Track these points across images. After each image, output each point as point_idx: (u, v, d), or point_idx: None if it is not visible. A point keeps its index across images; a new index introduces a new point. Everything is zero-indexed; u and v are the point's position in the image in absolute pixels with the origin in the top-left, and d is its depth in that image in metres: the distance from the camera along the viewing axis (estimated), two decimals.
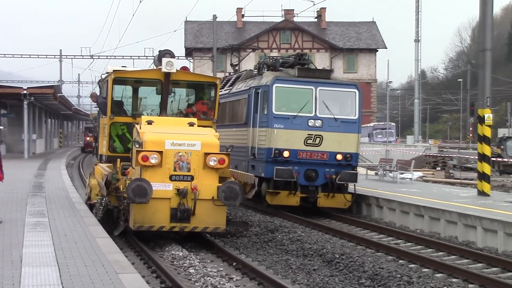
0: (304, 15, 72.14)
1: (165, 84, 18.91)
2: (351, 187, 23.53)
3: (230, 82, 29.53)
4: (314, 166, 22.48)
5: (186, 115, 19.36)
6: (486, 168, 24.88)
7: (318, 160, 22.51)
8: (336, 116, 22.53)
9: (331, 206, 23.38)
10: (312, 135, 22.26)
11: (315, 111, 22.42)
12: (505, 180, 38.71)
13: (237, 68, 34.74)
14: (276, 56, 28.16)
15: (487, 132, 24.46)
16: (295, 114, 22.29)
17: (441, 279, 14.55)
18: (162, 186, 16.04)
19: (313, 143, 22.27)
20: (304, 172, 22.41)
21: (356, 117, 23.13)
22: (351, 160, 22.72)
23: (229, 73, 34.69)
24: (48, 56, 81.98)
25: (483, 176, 24.85)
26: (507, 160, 49.03)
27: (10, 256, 12.23)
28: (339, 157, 22.43)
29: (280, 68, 24.65)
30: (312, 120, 22.34)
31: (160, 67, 18.52)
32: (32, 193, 23.71)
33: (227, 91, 28.60)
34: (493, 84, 26.16)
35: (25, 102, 48.48)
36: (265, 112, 22.68)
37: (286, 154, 22.12)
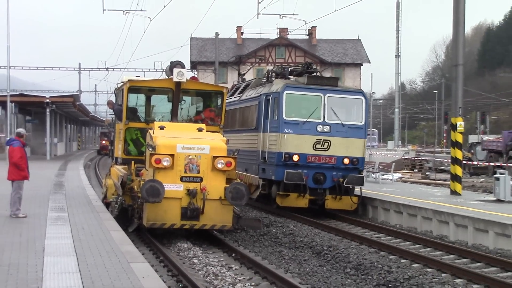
0: (297, 33, 72.26)
1: (176, 93, 18.82)
2: (357, 189, 22.87)
3: (240, 89, 28.93)
4: (322, 170, 21.71)
5: (195, 121, 19.28)
6: (458, 170, 24.94)
7: (326, 164, 21.72)
8: (343, 122, 21.83)
9: (338, 208, 22.50)
10: (321, 140, 21.57)
11: (324, 117, 21.72)
12: (475, 181, 38.80)
13: (244, 77, 34.18)
14: (284, 65, 27.59)
15: (459, 138, 24.53)
16: (305, 119, 21.60)
17: (417, 268, 14.58)
18: (173, 187, 15.92)
19: (322, 147, 21.58)
20: (312, 175, 21.61)
21: (363, 123, 22.32)
22: (357, 164, 22.02)
23: (238, 81, 34.23)
24: (68, 69, 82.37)
25: (455, 177, 24.91)
26: (476, 163, 49.16)
27: (34, 247, 12.26)
28: (346, 161, 21.72)
29: (288, 76, 24.05)
30: (321, 126, 21.63)
31: (171, 76, 18.46)
32: (54, 190, 23.73)
33: (236, 98, 28.04)
34: (465, 95, 26.20)
35: (48, 110, 48.61)
36: (276, 118, 21.98)
37: (295, 158, 21.39)
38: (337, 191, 21.84)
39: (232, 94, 29.48)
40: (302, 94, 21.99)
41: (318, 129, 21.53)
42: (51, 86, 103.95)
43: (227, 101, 27.85)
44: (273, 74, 25.08)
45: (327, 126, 21.58)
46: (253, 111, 24.46)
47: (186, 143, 16.30)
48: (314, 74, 23.61)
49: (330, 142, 21.50)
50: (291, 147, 21.35)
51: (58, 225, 14.98)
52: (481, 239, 17.65)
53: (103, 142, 72.47)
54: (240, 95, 27.54)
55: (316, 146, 21.47)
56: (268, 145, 22.24)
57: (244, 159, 24.49)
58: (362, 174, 22.61)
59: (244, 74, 34.67)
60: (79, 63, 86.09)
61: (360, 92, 23.17)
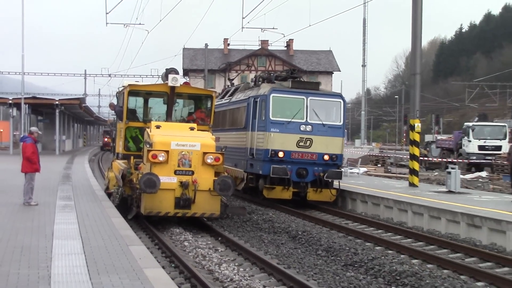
0: (276, 45, 71.88)
1: (171, 96, 18.81)
2: (336, 183, 22.45)
3: (230, 93, 28.46)
4: (304, 165, 21.39)
5: (188, 121, 19.20)
6: (416, 165, 25.09)
7: (308, 160, 21.38)
8: (324, 122, 21.49)
9: (319, 200, 22.10)
10: (304, 138, 21.26)
11: (306, 118, 21.36)
12: (430, 174, 38.99)
13: (233, 82, 33.87)
14: (270, 71, 27.10)
15: (417, 137, 24.65)
16: (289, 120, 21.24)
17: (380, 250, 14.67)
18: (168, 179, 15.89)
19: (304, 145, 21.28)
20: (296, 170, 21.30)
21: (341, 123, 21.95)
22: (336, 160, 21.68)
23: (228, 85, 33.88)
24: (75, 75, 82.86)
25: (413, 171, 25.05)
26: (431, 159, 49.44)
27: (44, 231, 12.23)
28: (326, 157, 21.36)
29: (274, 81, 23.53)
30: (304, 125, 21.29)
31: (166, 82, 18.42)
32: (62, 182, 23.64)
33: (227, 100, 27.62)
34: (421, 100, 26.33)
35: (57, 111, 48.53)
36: (263, 118, 21.59)
37: (281, 154, 21.04)
38: (318, 184, 21.58)
39: (223, 97, 29.16)
40: (287, 97, 21.65)
41: (301, 129, 21.28)
42: (60, 90, 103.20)
43: (218, 103, 27.81)
44: (260, 79, 24.79)
45: (309, 126, 21.33)
46: (242, 112, 24.16)
47: (179, 141, 16.29)
48: (298, 79, 23.32)
49: (312, 140, 21.29)
50: (277, 145, 21.07)
51: (65, 212, 14.94)
52: (435, 225, 17.78)
53: (106, 139, 72.03)
54: (230, 97, 27.21)
55: (299, 144, 21.23)
56: (256, 142, 21.95)
57: (234, 155, 24.32)
58: (341, 169, 22.34)
59: (233, 79, 34.54)
60: (85, 70, 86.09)
61: (339, 96, 22.88)
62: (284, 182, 21.29)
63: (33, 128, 17.87)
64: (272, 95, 21.29)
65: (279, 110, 21.29)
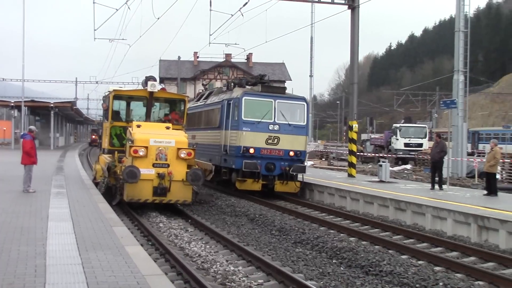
0: (238, 58, 71.40)
1: (149, 100, 18.67)
2: (299, 176, 21.68)
3: (204, 96, 27.55)
4: (272, 160, 20.42)
5: (164, 121, 19.01)
6: (353, 159, 25.39)
7: (276, 156, 20.45)
8: (289, 122, 20.68)
9: (285, 191, 21.20)
10: (272, 136, 20.41)
11: (274, 118, 20.55)
12: (365, 167, 39.45)
13: (207, 87, 32.80)
14: (242, 77, 25.69)
15: (354, 136, 24.92)
16: (259, 120, 20.42)
17: (323, 230, 14.73)
18: (147, 171, 15.73)
19: (272, 142, 20.46)
20: (265, 164, 20.31)
21: (305, 123, 21.13)
22: (300, 156, 20.87)
23: (201, 90, 32.95)
24: (68, 82, 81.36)
25: (351, 164, 25.33)
26: (366, 154, 50.03)
27: (40, 214, 12.02)
28: (291, 153, 20.51)
29: (245, 85, 22.67)
30: (272, 125, 20.47)
31: (146, 87, 18.28)
32: (56, 172, 23.22)
33: (202, 103, 26.59)
34: (358, 105, 26.57)
35: (52, 112, 47.77)
36: (236, 118, 20.66)
37: (252, 150, 20.15)
38: (284, 177, 20.81)
39: (198, 100, 28.34)
40: (257, 100, 20.87)
41: (270, 128, 20.54)
42: (55, 94, 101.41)
43: (194, 105, 27.50)
44: (233, 84, 23.97)
45: (277, 126, 20.57)
46: (216, 113, 23.36)
47: (157, 138, 16.15)
48: (266, 84, 22.39)
49: (279, 138, 20.54)
50: (248, 142, 20.34)
51: (58, 198, 14.69)
52: (368, 209, 17.99)
53: (93, 136, 71.02)
54: (205, 100, 26.47)
55: (268, 141, 20.47)
56: (229, 140, 21.19)
57: (209, 151, 23.66)
58: (304, 164, 21.59)
59: (206, 84, 34.02)
60: (76, 77, 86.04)
61: (303, 99, 22.06)
62: (254, 175, 20.55)
63: (32, 127, 17.62)
64: (244, 98, 20.65)
65: (250, 111, 20.60)
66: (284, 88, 22.64)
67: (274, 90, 21.66)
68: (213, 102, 24.56)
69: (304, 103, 21.51)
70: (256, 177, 20.53)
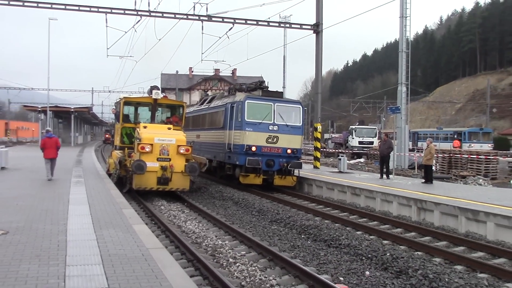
0: (225, 72, 71.18)
1: (154, 105, 18.54)
2: (296, 171, 20.46)
3: (207, 100, 26.06)
4: (272, 157, 19.42)
5: (166, 123, 18.83)
6: (318, 154, 25.44)
7: (275, 153, 19.25)
8: (287, 123, 19.54)
9: (283, 185, 19.86)
10: (271, 136, 19.36)
11: (273, 120, 19.40)
12: (327, 160, 39.63)
13: (208, 93, 31.96)
14: (242, 83, 23.67)
15: (319, 135, 24.95)
16: (260, 121, 19.26)
17: (294, 212, 14.68)
18: (152, 164, 15.61)
19: (272, 141, 19.38)
20: (265, 161, 19.30)
21: (300, 124, 19.79)
22: (297, 154, 19.75)
23: (204, 95, 31.56)
24: (85, 91, 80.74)
25: (316, 158, 25.37)
26: (328, 150, 50.27)
27: (62, 199, 11.84)
28: (289, 151, 19.50)
29: (246, 90, 21.41)
30: (271, 126, 19.33)
31: (151, 95, 18.23)
32: (75, 165, 22.93)
33: (206, 106, 24.92)
34: (322, 111, 26.67)
35: (72, 116, 47.58)
36: (239, 120, 19.34)
37: (254, 148, 19.13)
38: (282, 172, 19.70)
39: (202, 104, 27.02)
40: (258, 103, 19.66)
41: (270, 128, 19.43)
42: (74, 101, 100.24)
43: (198, 108, 26.92)
44: (234, 89, 22.76)
45: (276, 126, 19.45)
46: (220, 115, 22.08)
47: (160, 137, 16.04)
48: (266, 89, 21.03)
49: (278, 138, 19.43)
50: (251, 141, 19.22)
51: (77, 186, 14.49)
52: (330, 194, 18.03)
53: (107, 135, 70.29)
54: (209, 104, 25.03)
55: (268, 140, 19.39)
56: (233, 139, 19.97)
57: (213, 148, 22.54)
58: (300, 160, 20.32)
59: (207, 91, 33.38)
60: (92, 87, 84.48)
61: (299, 102, 20.96)
62: (256, 170, 19.45)
63: (48, 128, 17.77)
64: (247, 101, 19.48)
65: (252, 113, 19.51)
66: (282, 93, 21.56)
67: (273, 94, 20.58)
68: (216, 105, 23.33)
69: (300, 106, 20.43)
70: (257, 172, 19.46)
